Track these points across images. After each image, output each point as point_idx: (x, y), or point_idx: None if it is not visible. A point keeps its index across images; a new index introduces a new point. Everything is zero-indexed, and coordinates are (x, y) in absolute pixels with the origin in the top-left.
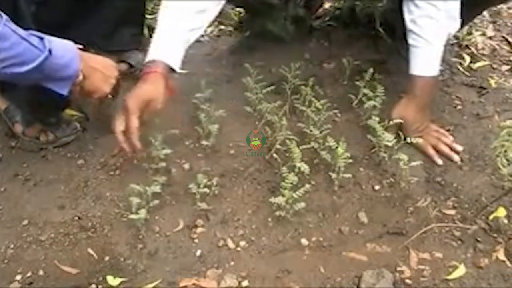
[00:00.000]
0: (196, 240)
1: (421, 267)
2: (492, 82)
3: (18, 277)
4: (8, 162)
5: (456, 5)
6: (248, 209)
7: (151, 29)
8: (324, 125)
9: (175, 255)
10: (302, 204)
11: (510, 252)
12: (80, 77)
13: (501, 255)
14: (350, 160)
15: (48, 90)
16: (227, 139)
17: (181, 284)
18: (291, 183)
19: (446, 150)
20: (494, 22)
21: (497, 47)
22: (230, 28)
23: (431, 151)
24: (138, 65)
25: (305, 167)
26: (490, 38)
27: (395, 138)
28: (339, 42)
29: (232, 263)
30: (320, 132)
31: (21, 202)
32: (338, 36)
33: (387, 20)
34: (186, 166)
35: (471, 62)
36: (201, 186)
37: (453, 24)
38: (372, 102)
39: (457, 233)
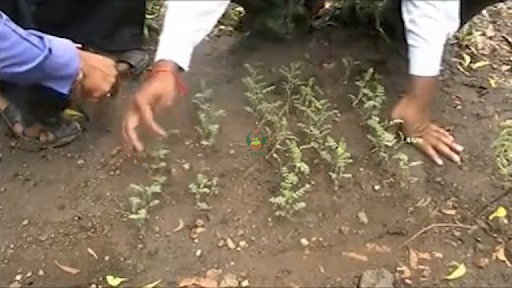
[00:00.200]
0: (196, 240)
1: (421, 267)
2: (492, 82)
3: (18, 277)
4: (8, 162)
5: (455, 5)
6: (248, 209)
7: (151, 29)
8: (324, 125)
9: (175, 255)
10: (302, 204)
11: (510, 252)
12: (80, 76)
13: (501, 255)
14: (350, 160)
15: (48, 89)
16: (227, 139)
17: (181, 284)
18: (291, 183)
19: (446, 150)
20: (494, 22)
21: (497, 47)
22: (230, 28)
23: (431, 151)
24: (138, 65)
25: (305, 167)
26: (490, 38)
27: (395, 138)
28: (339, 42)
29: (232, 263)
30: (320, 132)
31: (21, 202)
32: (338, 36)
33: (387, 20)
34: (186, 166)
35: (471, 62)
36: (201, 186)
37: (452, 24)
38: (372, 102)
39: (457, 233)
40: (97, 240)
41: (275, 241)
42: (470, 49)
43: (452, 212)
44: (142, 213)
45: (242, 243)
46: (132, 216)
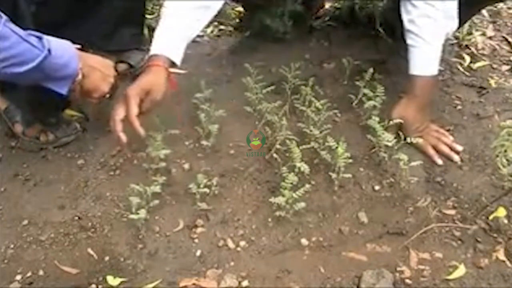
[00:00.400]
0: (196, 240)
1: (421, 267)
2: (492, 82)
3: (18, 277)
4: (8, 162)
5: (454, 5)
6: (248, 209)
7: (151, 29)
8: (324, 125)
9: (175, 255)
10: (302, 204)
11: (510, 252)
12: (80, 76)
13: (501, 255)
14: (350, 160)
15: (48, 90)
16: (227, 139)
17: (181, 284)
18: (291, 183)
19: (446, 150)
20: (494, 22)
21: (497, 47)
22: (230, 28)
23: (431, 151)
24: (138, 65)
25: (305, 167)
26: (490, 38)
27: (395, 138)
28: (339, 42)
29: (232, 263)
30: (320, 132)
31: (21, 202)
32: (338, 36)
33: (387, 20)
34: (186, 166)
35: (471, 62)
36: (201, 186)
37: (451, 23)
38: (372, 102)
39: (457, 233)
40: (97, 240)
41: (275, 241)
42: (470, 49)
43: (452, 212)
44: (142, 213)
45: (242, 243)
46: (132, 216)
